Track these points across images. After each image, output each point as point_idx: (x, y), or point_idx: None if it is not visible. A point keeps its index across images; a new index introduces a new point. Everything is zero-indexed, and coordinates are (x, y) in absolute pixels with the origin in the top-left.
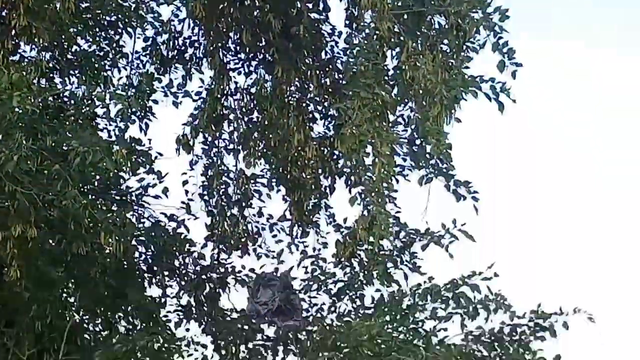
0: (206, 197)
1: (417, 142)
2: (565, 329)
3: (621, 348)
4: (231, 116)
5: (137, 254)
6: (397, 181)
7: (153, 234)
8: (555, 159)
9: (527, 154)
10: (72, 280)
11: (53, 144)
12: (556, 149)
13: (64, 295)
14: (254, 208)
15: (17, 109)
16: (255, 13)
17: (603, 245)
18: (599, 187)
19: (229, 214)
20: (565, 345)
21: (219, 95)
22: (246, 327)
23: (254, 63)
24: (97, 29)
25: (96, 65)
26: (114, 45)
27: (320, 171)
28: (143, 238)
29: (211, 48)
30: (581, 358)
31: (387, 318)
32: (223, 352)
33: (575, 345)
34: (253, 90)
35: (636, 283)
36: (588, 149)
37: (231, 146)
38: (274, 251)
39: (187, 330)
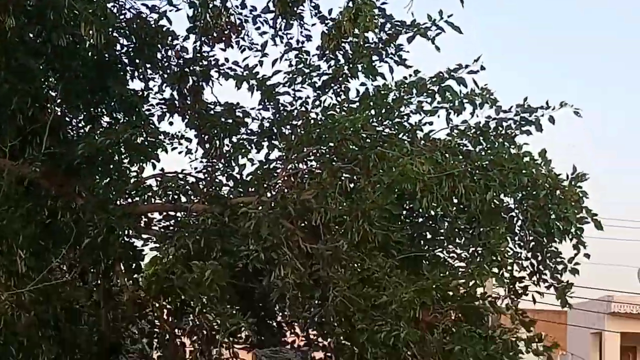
0: None
1: None
2: (552, 123)
3: None
4: None
5: (118, 47)
6: None
7: (134, 25)
8: None
9: None
10: (53, 73)
11: None
12: None
13: (45, 88)
14: None
15: None
16: None
17: None
18: None
19: (211, 5)
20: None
21: None
22: (230, 120)
23: None
24: None
25: None
26: None
27: None
28: (124, 30)
29: None
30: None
31: (372, 112)
32: (207, 145)
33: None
34: None
35: None
36: None
37: None
38: (257, 44)
39: (171, 124)
